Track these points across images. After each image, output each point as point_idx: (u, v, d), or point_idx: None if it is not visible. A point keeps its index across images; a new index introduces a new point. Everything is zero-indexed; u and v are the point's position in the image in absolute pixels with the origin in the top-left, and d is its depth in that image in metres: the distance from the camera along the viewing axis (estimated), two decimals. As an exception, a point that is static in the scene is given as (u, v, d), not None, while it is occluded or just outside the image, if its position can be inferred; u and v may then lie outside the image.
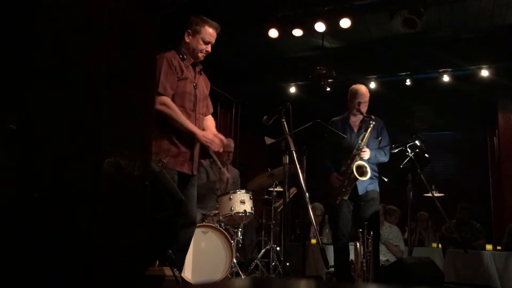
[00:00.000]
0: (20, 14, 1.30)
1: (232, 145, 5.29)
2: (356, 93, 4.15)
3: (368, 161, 4.01)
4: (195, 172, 3.07)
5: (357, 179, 3.90)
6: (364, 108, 4.13)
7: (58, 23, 1.34)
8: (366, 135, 3.98)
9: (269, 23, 6.04)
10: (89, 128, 1.36)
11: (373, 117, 4.08)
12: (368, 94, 4.18)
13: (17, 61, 1.28)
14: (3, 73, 1.28)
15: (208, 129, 3.11)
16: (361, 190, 4.04)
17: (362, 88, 4.19)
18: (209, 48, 3.10)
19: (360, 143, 3.96)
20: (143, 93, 1.55)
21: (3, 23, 1.28)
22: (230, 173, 5.26)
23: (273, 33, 6.07)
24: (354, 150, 3.96)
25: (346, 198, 4.00)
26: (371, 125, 4.00)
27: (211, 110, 3.33)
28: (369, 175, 3.90)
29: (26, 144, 1.25)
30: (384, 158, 4.14)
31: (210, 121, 3.24)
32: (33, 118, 1.27)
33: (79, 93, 1.36)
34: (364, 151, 3.96)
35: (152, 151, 2.77)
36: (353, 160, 3.94)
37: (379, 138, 4.15)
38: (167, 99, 2.87)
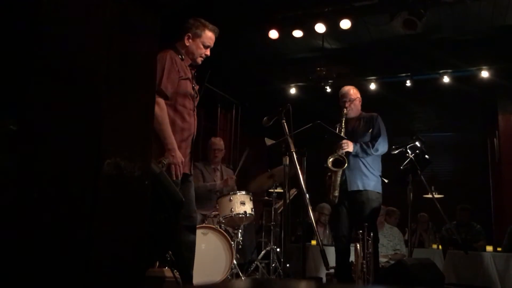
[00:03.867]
0: (20, 14, 1.30)
1: (220, 143, 5.28)
2: (340, 95, 4.32)
3: (357, 155, 4.05)
4: (191, 172, 3.08)
5: (337, 171, 3.94)
6: (351, 106, 4.22)
7: (59, 23, 1.34)
8: (342, 125, 4.09)
9: (269, 24, 6.04)
10: (89, 128, 1.36)
11: (363, 112, 4.27)
12: (351, 93, 4.27)
13: (17, 61, 1.28)
14: (3, 73, 1.27)
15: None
16: (350, 186, 4.04)
17: (343, 89, 4.34)
18: (208, 52, 3.10)
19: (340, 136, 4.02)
20: (143, 93, 1.55)
21: (4, 23, 1.28)
22: (224, 173, 5.27)
23: (273, 34, 6.07)
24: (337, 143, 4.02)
25: (336, 194, 4.00)
26: (344, 117, 4.12)
27: None
28: (344, 165, 3.91)
29: (26, 145, 1.25)
30: (370, 150, 4.06)
31: None
32: (33, 118, 1.26)
33: (79, 93, 1.36)
34: (343, 143, 3.98)
35: (155, 152, 2.81)
36: (336, 154, 3.99)
37: (370, 130, 4.16)
38: (161, 101, 2.82)
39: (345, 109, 4.19)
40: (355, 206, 4.03)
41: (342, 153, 3.96)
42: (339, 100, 4.31)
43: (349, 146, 3.99)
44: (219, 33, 3.13)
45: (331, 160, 3.94)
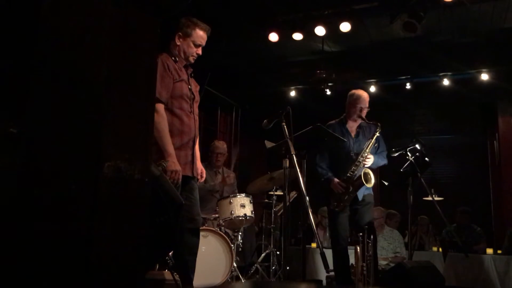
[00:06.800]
0: (21, 17, 1.30)
1: (223, 147, 5.28)
2: (358, 99, 4.17)
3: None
4: (195, 174, 3.05)
5: (363, 185, 3.94)
6: (364, 113, 4.16)
7: (59, 26, 1.34)
8: (372, 141, 4.04)
9: (269, 27, 6.05)
10: (89, 131, 1.36)
11: (374, 123, 4.15)
12: (368, 100, 4.22)
13: (18, 63, 1.29)
14: (4, 75, 1.28)
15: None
16: (360, 196, 4.08)
17: (364, 94, 4.23)
18: (200, 51, 3.06)
19: (365, 150, 4.02)
20: (143, 96, 1.56)
21: (4, 25, 1.29)
22: (225, 175, 5.28)
23: (273, 37, 6.08)
24: (359, 157, 4.00)
25: (348, 204, 4.01)
26: (377, 133, 4.07)
27: None
28: (373, 181, 3.95)
29: (26, 148, 1.25)
30: (384, 162, 4.19)
31: (197, 151, 3.12)
32: (33, 120, 1.27)
33: (79, 96, 1.36)
34: (368, 158, 4.01)
35: (155, 155, 2.78)
36: (357, 167, 3.99)
37: (376, 145, 4.17)
38: (160, 107, 2.80)
39: (363, 117, 4.14)
40: (357, 211, 4.07)
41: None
42: (353, 103, 4.18)
43: (370, 161, 4.04)
44: (210, 32, 3.09)
45: (363, 174, 3.91)
